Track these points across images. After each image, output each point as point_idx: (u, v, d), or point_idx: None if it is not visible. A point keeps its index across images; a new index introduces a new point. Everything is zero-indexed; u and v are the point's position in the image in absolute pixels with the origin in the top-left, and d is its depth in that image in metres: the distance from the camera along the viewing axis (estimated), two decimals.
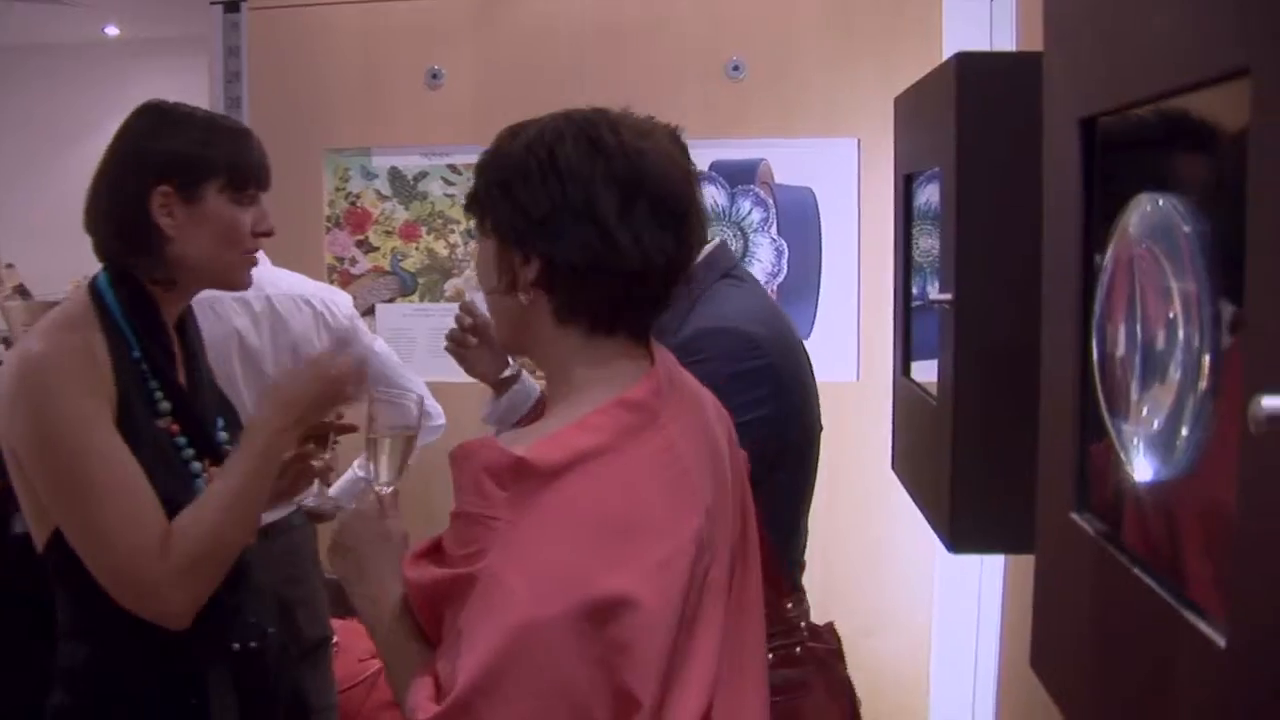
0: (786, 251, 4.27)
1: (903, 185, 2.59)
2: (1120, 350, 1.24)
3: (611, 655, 1.31)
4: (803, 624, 1.99)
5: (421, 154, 4.46)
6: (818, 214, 4.31)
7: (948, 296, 2.03)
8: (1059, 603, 1.49)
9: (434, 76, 4.42)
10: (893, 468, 2.68)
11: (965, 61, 1.99)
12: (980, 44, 3.93)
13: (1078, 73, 1.41)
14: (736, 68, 4.28)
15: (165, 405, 1.96)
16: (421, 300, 4.48)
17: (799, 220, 4.31)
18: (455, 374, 4.42)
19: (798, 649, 1.62)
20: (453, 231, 4.47)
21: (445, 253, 4.47)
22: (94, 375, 1.84)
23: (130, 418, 1.87)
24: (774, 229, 4.28)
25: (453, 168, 4.44)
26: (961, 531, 2.07)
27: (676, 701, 1.39)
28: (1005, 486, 2.01)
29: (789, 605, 1.64)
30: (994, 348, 2.00)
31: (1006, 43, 3.75)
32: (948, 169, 2.04)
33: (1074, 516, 1.41)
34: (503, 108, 4.35)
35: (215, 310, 3.04)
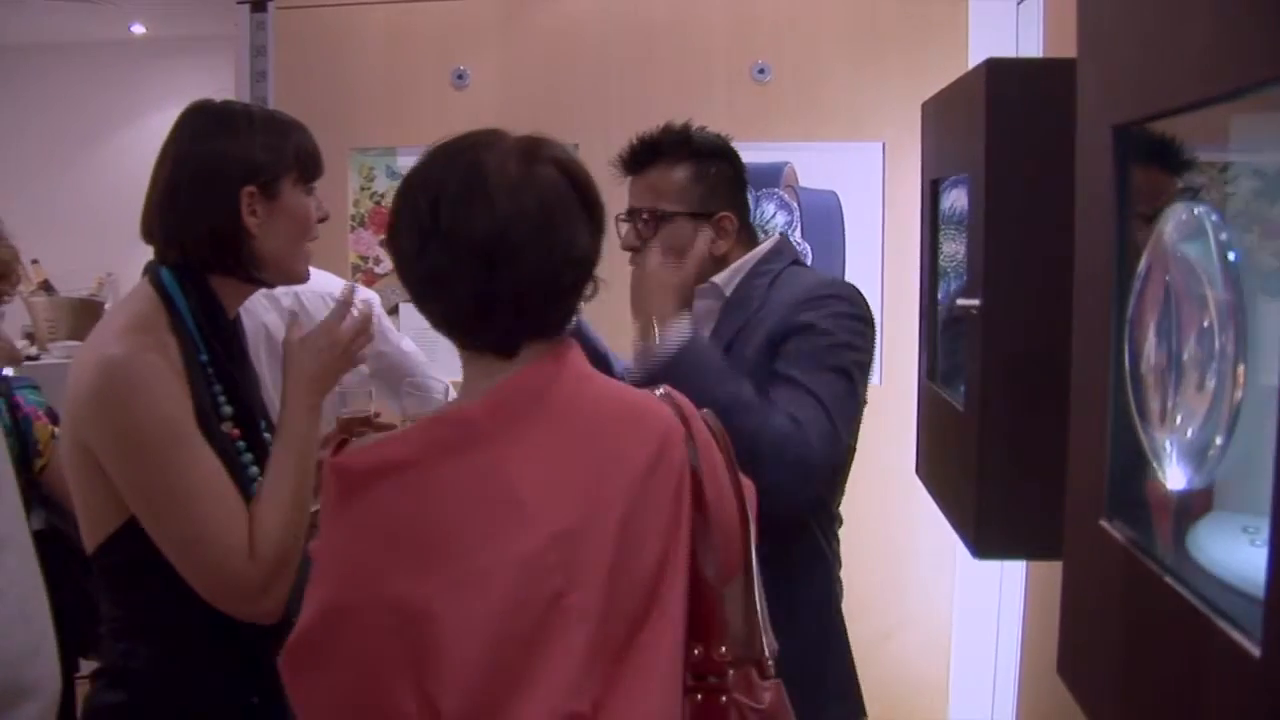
0: (810, 255, 4.26)
1: (929, 190, 2.59)
2: (1152, 357, 1.24)
3: (414, 658, 1.40)
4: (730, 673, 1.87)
5: None
6: (841, 218, 4.30)
7: (975, 302, 2.03)
8: (1087, 609, 1.49)
9: (459, 77, 4.42)
10: (916, 473, 2.68)
11: (996, 67, 1.99)
12: (1006, 50, 3.92)
13: (1112, 80, 1.41)
14: (762, 70, 4.28)
15: (228, 409, 1.99)
16: None
17: (823, 224, 4.30)
18: None
19: (722, 698, 1.57)
20: None
21: None
22: (177, 379, 1.87)
23: (203, 422, 1.89)
24: (798, 232, 4.28)
25: None
26: (987, 538, 2.08)
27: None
28: (1031, 493, 2.01)
29: (722, 649, 1.57)
30: (1022, 354, 2.00)
31: (1033, 49, 3.74)
32: (977, 175, 2.04)
33: (1103, 523, 1.41)
34: (528, 109, 4.44)
35: (244, 306, 3.05)
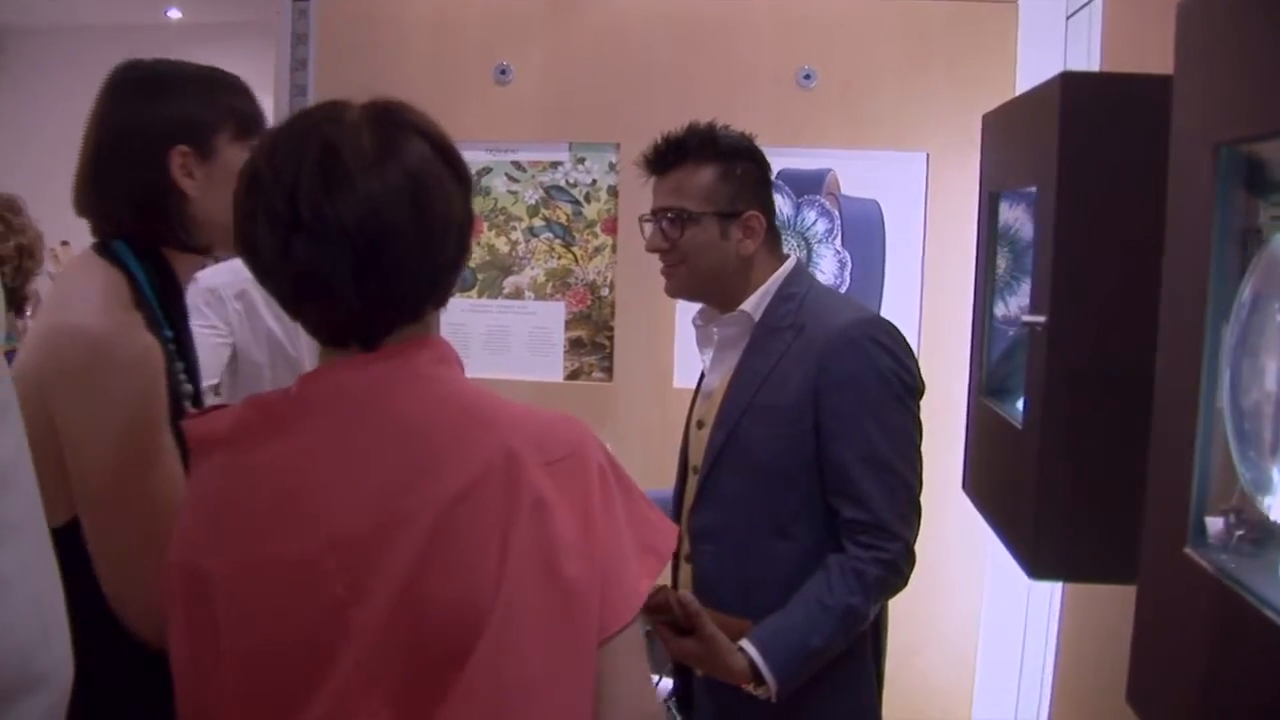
0: (850, 264, 4.23)
1: (987, 203, 2.56)
2: (1271, 386, 1.21)
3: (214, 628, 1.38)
4: None
5: (486, 149, 4.44)
6: (883, 227, 4.27)
7: (1041, 319, 1.99)
8: (1167, 638, 1.45)
9: (502, 72, 4.39)
10: (964, 489, 2.64)
11: (1070, 81, 1.96)
12: (1054, 63, 3.89)
13: (1214, 97, 1.37)
14: (808, 76, 4.25)
15: (188, 388, 1.89)
16: (480, 296, 4.46)
17: (863, 233, 4.27)
18: (509, 371, 4.45)
19: None
20: (514, 229, 4.45)
21: (506, 249, 4.46)
22: (162, 368, 1.75)
23: (173, 405, 1.78)
24: (838, 240, 4.25)
25: (517, 164, 4.43)
26: (1043, 559, 2.04)
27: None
28: (1090, 515, 1.98)
29: None
30: (1086, 372, 1.97)
31: (1081, 62, 3.70)
32: (1046, 188, 2.01)
33: (1189, 551, 1.37)
34: (570, 107, 4.42)
35: (251, 310, 3.09)
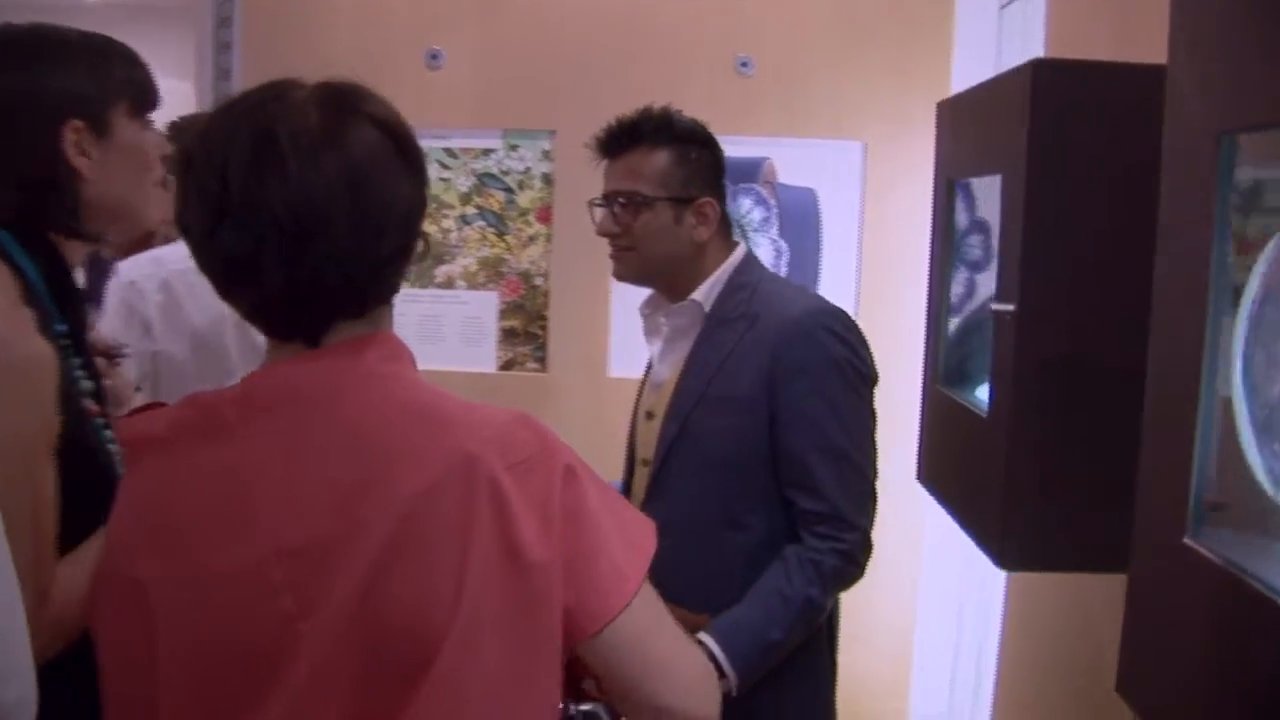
0: (786, 253, 4.21)
1: (944, 191, 2.55)
2: None
3: (149, 641, 1.32)
4: None
5: (417, 136, 4.35)
6: (819, 216, 4.26)
7: (1010, 307, 1.98)
8: (1163, 627, 1.44)
9: (434, 57, 4.32)
10: (919, 479, 2.63)
11: (1041, 68, 1.94)
12: (989, 54, 3.91)
13: (1213, 85, 1.36)
14: (745, 64, 4.22)
15: (87, 384, 1.73)
16: (411, 285, 4.38)
17: (799, 221, 4.25)
18: (441, 362, 4.37)
19: None
20: (446, 216, 4.38)
21: (438, 237, 4.38)
22: (54, 377, 1.53)
23: (66, 404, 1.55)
24: (774, 229, 4.23)
25: (449, 151, 4.36)
26: (1011, 550, 2.03)
27: None
28: (1061, 504, 1.98)
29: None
30: (1056, 361, 1.96)
31: (1016, 52, 3.71)
32: (1014, 175, 1.99)
33: (1189, 541, 1.36)
34: (504, 93, 4.35)
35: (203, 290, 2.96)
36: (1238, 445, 1.35)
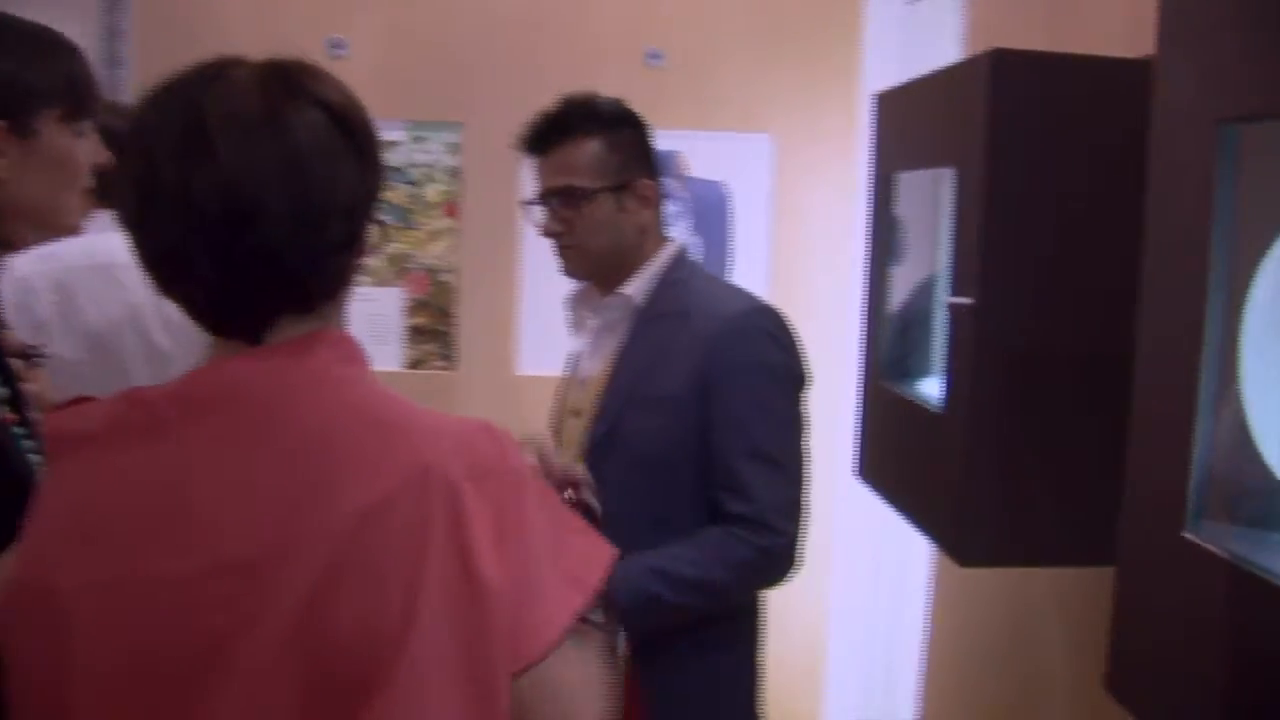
0: (700, 248, 4.19)
1: (881, 185, 2.53)
2: None
3: (55, 659, 1.22)
4: None
5: None
6: (730, 209, 4.24)
7: (968, 300, 1.97)
8: (1163, 626, 1.43)
9: (336, 46, 4.21)
10: (858, 475, 2.62)
11: (1001, 58, 1.92)
12: (899, 48, 3.91)
13: (1212, 73, 1.35)
14: (655, 56, 4.18)
15: (3, 391, 1.64)
16: None
17: (711, 215, 4.24)
18: None
19: None
20: None
21: None
22: None
23: None
24: (686, 224, 4.20)
25: None
26: (971, 545, 2.02)
27: None
28: (1022, 498, 1.97)
29: None
30: (1018, 354, 1.95)
31: (928, 46, 3.71)
32: (971, 168, 1.98)
33: (1187, 535, 1.35)
34: (409, 84, 4.26)
35: (120, 279, 2.80)
36: (1228, 438, 1.35)
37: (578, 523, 1.42)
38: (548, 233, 2.33)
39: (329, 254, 1.27)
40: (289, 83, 1.26)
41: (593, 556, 1.37)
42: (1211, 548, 1.31)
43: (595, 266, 2.36)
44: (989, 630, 2.93)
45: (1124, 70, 1.93)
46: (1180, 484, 1.36)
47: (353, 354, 1.31)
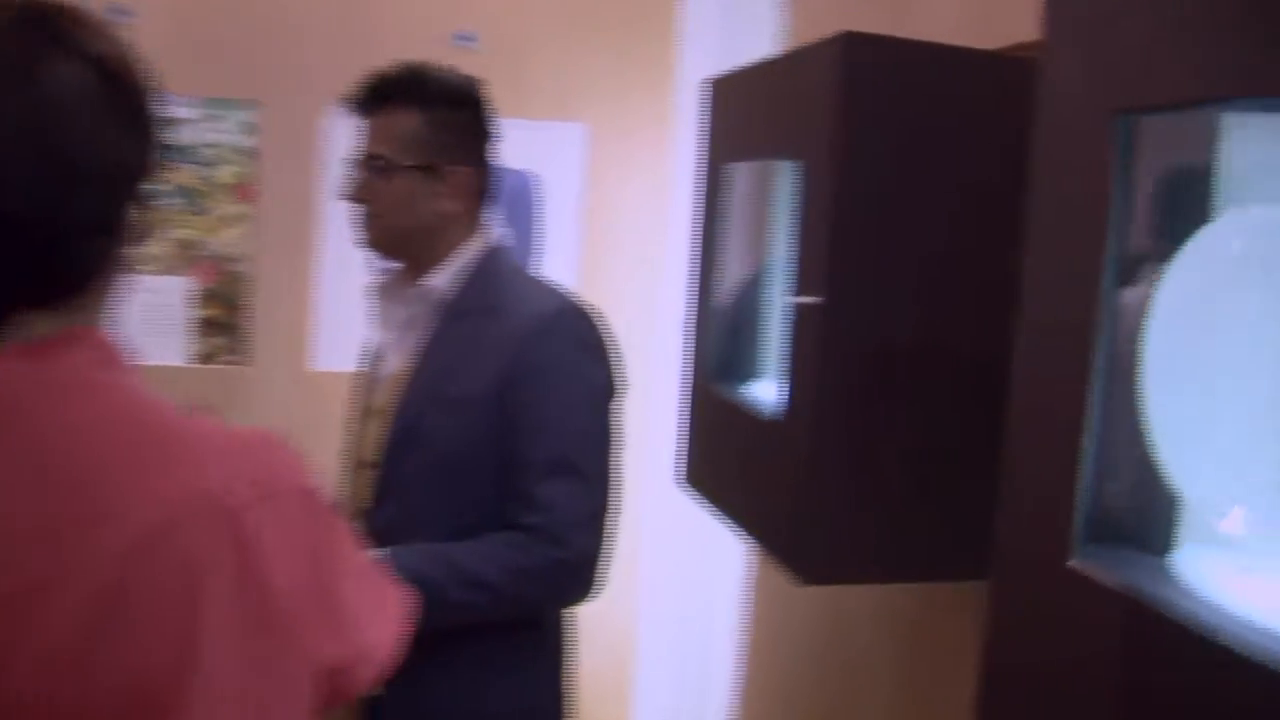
0: (509, 239, 4.03)
1: (712, 177, 2.40)
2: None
3: None
4: None
5: None
6: (539, 201, 4.10)
7: (813, 299, 1.84)
8: (1039, 650, 1.31)
9: (121, 14, 3.88)
10: (681, 481, 2.48)
11: (854, 42, 1.80)
12: (716, 39, 3.81)
13: (1112, 62, 1.24)
14: (467, 38, 4.00)
15: None
16: None
17: (519, 206, 4.08)
18: None
19: None
20: None
21: None
22: None
23: None
24: (496, 215, 4.02)
25: None
26: (812, 563, 1.90)
27: None
28: (871, 511, 1.86)
29: None
30: (865, 357, 1.84)
31: (748, 36, 3.61)
32: (819, 159, 1.85)
33: (1074, 564, 1.24)
34: (202, 58, 3.99)
35: None
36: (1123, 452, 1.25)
37: (365, 553, 1.27)
38: (343, 196, 2.20)
39: (80, 235, 1.06)
40: (52, 29, 1.05)
41: (394, 587, 1.25)
42: (1100, 578, 1.20)
43: (387, 243, 2.21)
44: (806, 637, 2.84)
45: (981, 60, 1.85)
46: (1066, 506, 1.25)
47: (113, 357, 1.10)
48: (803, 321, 1.88)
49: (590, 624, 3.95)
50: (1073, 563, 1.24)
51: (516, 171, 4.06)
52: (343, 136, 2.24)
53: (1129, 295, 1.24)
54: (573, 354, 2.12)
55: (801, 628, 2.87)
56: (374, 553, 1.94)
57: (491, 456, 2.08)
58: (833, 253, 1.81)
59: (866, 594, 2.45)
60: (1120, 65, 1.22)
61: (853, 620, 2.59)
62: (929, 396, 1.85)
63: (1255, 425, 1.14)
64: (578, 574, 2.07)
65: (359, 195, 2.16)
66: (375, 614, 1.20)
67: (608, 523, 2.11)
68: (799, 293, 1.89)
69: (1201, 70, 1.11)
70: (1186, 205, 1.27)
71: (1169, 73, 1.15)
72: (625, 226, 4.15)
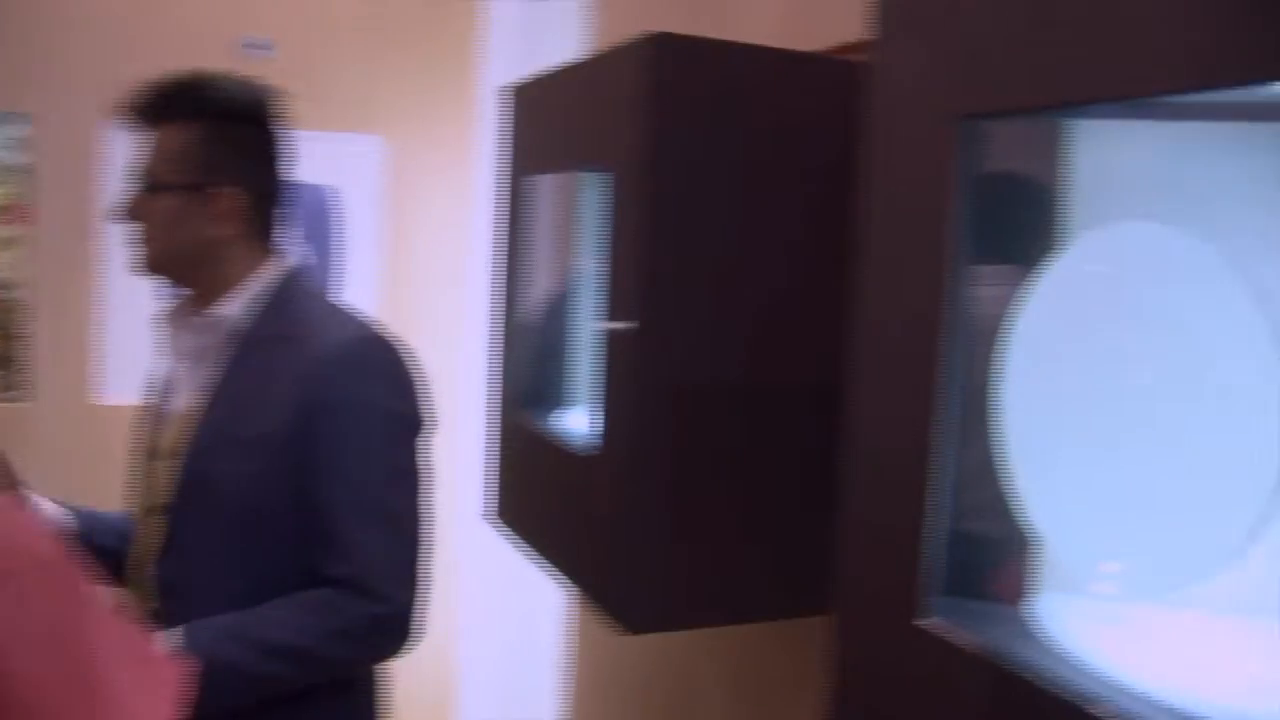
0: (307, 258, 3.83)
1: (514, 191, 2.24)
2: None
3: None
4: None
5: None
6: (339, 217, 3.91)
7: (627, 325, 1.69)
8: (886, 704, 1.18)
9: None
10: (491, 516, 2.30)
11: (665, 45, 1.65)
12: (520, 47, 3.69)
13: (949, 64, 1.12)
14: (259, 46, 3.78)
15: None
16: None
17: (318, 223, 3.90)
18: None
19: None
20: None
21: None
22: None
23: None
24: (295, 232, 3.82)
25: None
26: (639, 611, 1.74)
27: None
28: (698, 552, 1.72)
29: None
30: (685, 386, 1.69)
31: (553, 43, 3.48)
32: (629, 171, 1.70)
33: (920, 623, 1.11)
34: None
35: None
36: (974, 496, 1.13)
37: (138, 637, 1.12)
38: (111, 215, 2.02)
39: None
40: None
41: (165, 662, 1.11)
42: (953, 637, 1.07)
43: (160, 266, 2.01)
44: (636, 680, 2.70)
45: (803, 62, 1.72)
46: (911, 555, 1.12)
47: None
48: (615, 348, 1.73)
49: (407, 677, 3.79)
50: (921, 621, 1.11)
51: (315, 186, 3.87)
52: (127, 151, 2.03)
53: (977, 314, 1.13)
54: (375, 387, 1.94)
55: (630, 671, 2.73)
56: (170, 633, 1.76)
57: (290, 501, 1.89)
58: (646, 274, 1.66)
59: (699, 631, 2.32)
60: (962, 68, 1.10)
61: (685, 659, 2.45)
62: (757, 426, 1.72)
63: (1119, 462, 1.02)
64: (394, 628, 1.89)
65: (128, 214, 1.98)
66: (141, 694, 1.05)
67: (421, 568, 1.93)
68: (610, 317, 1.74)
69: (1049, 74, 1.00)
70: (1034, 215, 1.17)
71: (1014, 76, 1.04)
72: (430, 244, 3.99)
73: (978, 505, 1.15)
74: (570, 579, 1.93)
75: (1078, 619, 1.08)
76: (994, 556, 1.20)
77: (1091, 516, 1.04)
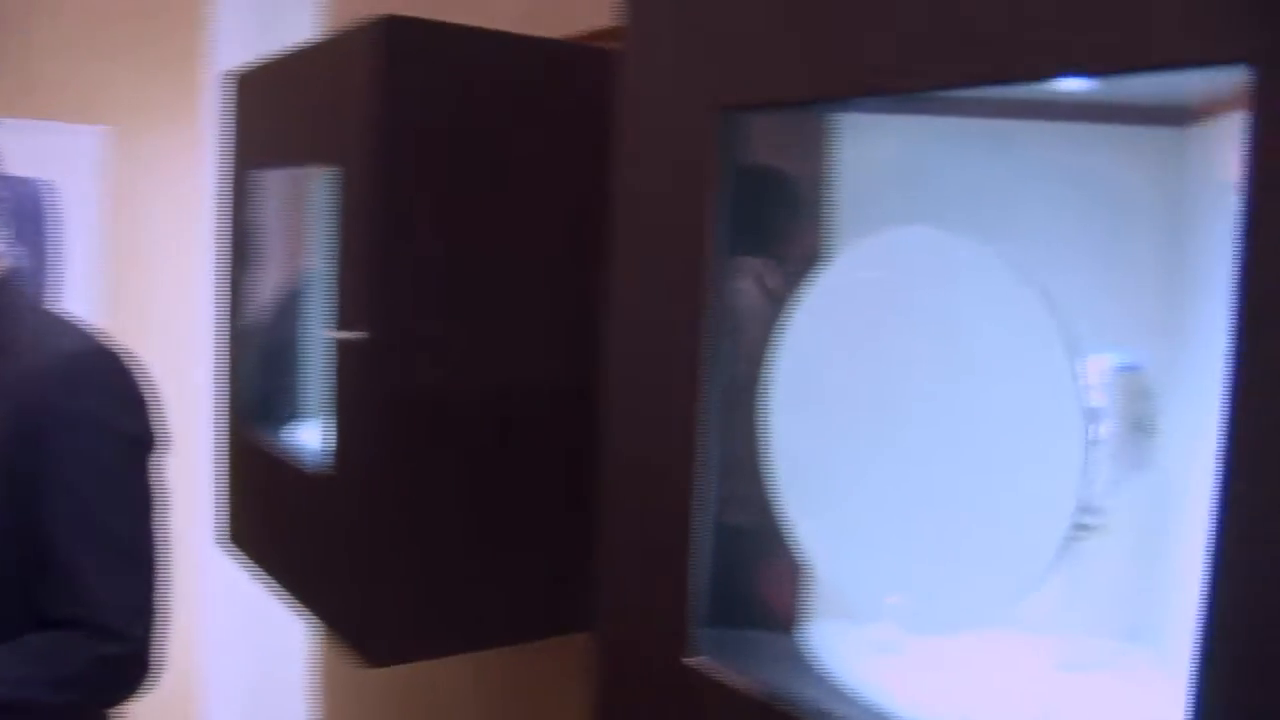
0: (24, 259, 3.57)
1: (238, 186, 2.07)
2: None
3: None
4: None
5: None
6: (55, 213, 3.68)
7: (358, 335, 1.55)
8: None
9: None
10: (225, 540, 2.13)
11: (396, 29, 1.52)
12: (253, 32, 3.50)
13: (708, 55, 1.02)
14: None
15: None
16: None
17: (30, 220, 3.65)
18: None
19: None
20: None
21: None
22: None
23: None
24: (6, 230, 3.56)
25: None
26: (380, 643, 1.61)
27: None
28: (441, 577, 1.60)
29: None
30: (422, 400, 1.56)
31: (286, 26, 3.31)
32: (358, 167, 1.57)
33: (688, 662, 1.01)
34: None
35: None
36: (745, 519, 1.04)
37: None
38: None
39: None
40: None
41: None
42: (724, 677, 0.98)
43: None
44: (391, 711, 2.57)
45: (550, 49, 1.62)
46: (677, 587, 1.02)
47: None
48: (345, 358, 1.59)
49: (146, 717, 3.58)
50: (691, 660, 1.01)
51: (27, 180, 3.62)
52: None
53: (742, 317, 1.04)
54: (100, 404, 1.75)
55: (384, 699, 2.59)
56: None
57: (10, 534, 1.69)
58: (377, 279, 1.53)
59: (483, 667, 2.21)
60: (721, 58, 1.01)
61: (446, 679, 2.33)
62: (505, 439, 1.60)
63: (901, 485, 0.95)
64: (130, 668, 1.72)
65: None
66: None
67: (158, 600, 1.76)
68: (340, 325, 1.60)
69: (813, 66, 0.92)
70: (796, 211, 1.08)
71: (777, 67, 0.96)
72: (157, 244, 3.77)
73: (748, 523, 1.07)
74: (307, 608, 1.78)
75: (854, 647, 1.01)
76: (765, 579, 1.12)
77: (868, 543, 0.96)
